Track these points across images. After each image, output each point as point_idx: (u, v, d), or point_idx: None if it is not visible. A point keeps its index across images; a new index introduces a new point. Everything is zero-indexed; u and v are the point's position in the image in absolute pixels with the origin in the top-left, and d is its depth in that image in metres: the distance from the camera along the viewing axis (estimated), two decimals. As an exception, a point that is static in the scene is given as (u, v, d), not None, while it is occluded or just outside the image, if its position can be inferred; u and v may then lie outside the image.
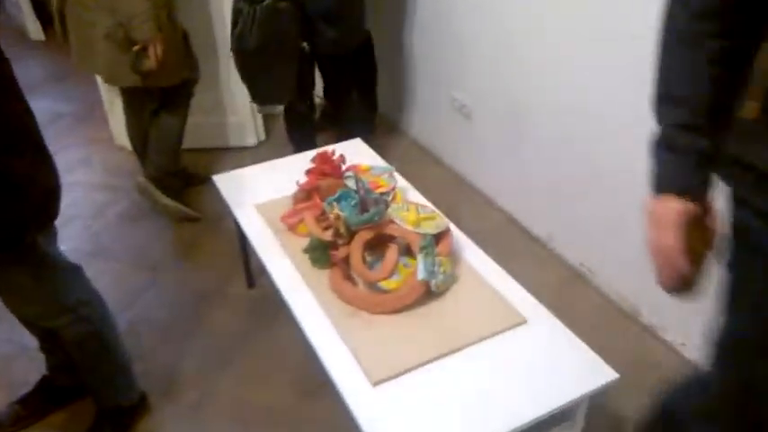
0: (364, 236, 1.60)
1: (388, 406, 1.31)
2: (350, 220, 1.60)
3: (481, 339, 1.45)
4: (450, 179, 3.05)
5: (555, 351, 1.44)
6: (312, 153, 2.03)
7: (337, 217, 1.62)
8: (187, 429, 1.89)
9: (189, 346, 2.17)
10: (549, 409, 1.31)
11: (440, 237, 1.63)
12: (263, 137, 3.41)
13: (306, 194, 1.88)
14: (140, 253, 2.62)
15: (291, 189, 1.98)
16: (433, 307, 1.54)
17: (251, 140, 3.34)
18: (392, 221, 1.62)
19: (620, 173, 2.12)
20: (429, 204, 1.87)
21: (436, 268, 1.52)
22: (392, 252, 1.53)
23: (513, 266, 2.33)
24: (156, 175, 2.66)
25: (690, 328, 2.02)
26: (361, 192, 1.63)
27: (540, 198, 2.55)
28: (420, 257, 1.51)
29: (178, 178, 2.82)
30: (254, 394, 1.98)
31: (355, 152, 2.21)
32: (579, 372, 1.39)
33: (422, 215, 1.67)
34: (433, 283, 1.52)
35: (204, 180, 2.92)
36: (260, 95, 2.58)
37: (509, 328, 1.49)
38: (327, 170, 1.91)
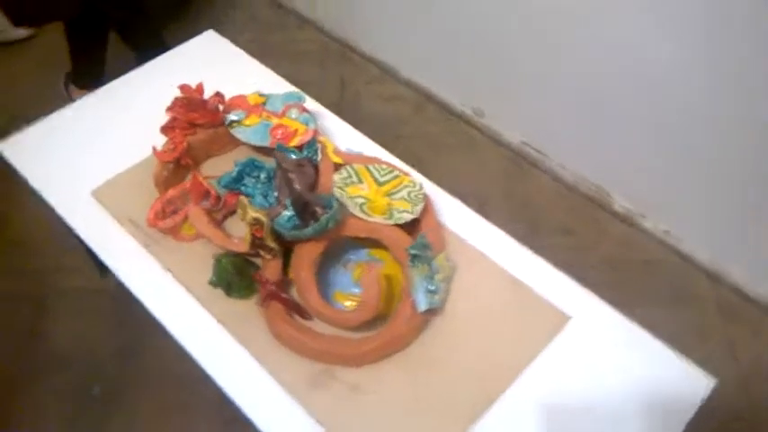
0: (311, 251, 0.98)
1: None
2: (282, 230, 0.96)
3: (520, 370, 0.97)
4: (330, 47, 2.33)
5: (622, 359, 1.00)
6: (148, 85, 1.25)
7: (256, 222, 0.97)
8: None
9: (37, 385, 1.49)
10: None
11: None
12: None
13: (174, 167, 1.16)
14: None
15: (137, 150, 1.24)
16: (436, 330, 1.01)
17: (21, 30, 2.31)
18: (348, 216, 1.00)
19: (561, 15, 1.59)
20: (372, 147, 1.25)
21: (436, 280, 0.97)
22: (373, 278, 0.94)
23: (443, 160, 1.85)
24: None
25: (673, 210, 1.70)
26: (296, 185, 0.96)
27: (459, 63, 1.97)
28: (414, 275, 0.94)
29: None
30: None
31: (214, 61, 1.46)
32: (665, 382, 0.99)
33: (383, 184, 1.07)
34: (435, 300, 0.98)
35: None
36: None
37: (553, 336, 1.02)
38: (198, 119, 1.17)
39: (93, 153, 1.28)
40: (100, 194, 1.20)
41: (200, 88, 1.16)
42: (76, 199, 1.20)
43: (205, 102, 1.16)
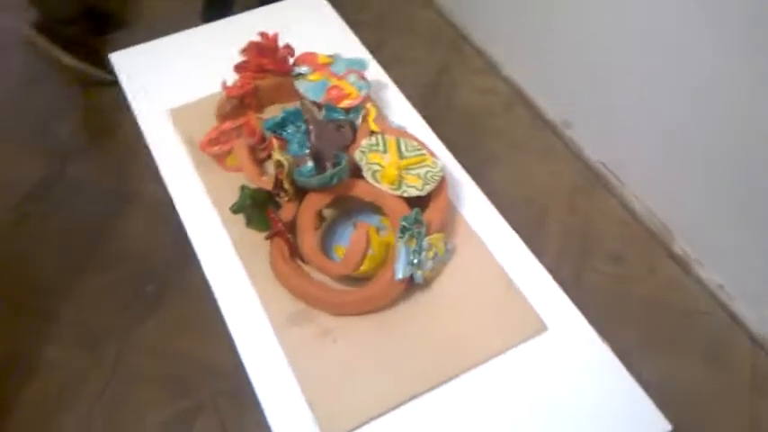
0: (316, 201, 1.07)
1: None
2: (297, 176, 1.06)
3: (480, 361, 1.01)
4: (445, 31, 2.39)
5: (584, 381, 1.01)
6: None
7: (279, 165, 1.08)
8: (107, 390, 1.52)
9: (99, 275, 1.71)
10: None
11: (432, 193, 1.11)
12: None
13: (237, 104, 1.29)
14: (41, 131, 2.03)
15: (217, 82, 1.38)
16: (417, 302, 1.07)
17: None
18: (359, 178, 1.08)
19: (664, 49, 1.53)
20: (417, 134, 1.31)
21: (423, 256, 1.03)
22: (360, 236, 1.02)
23: (518, 161, 1.84)
24: (46, 23, 1.98)
25: (732, 265, 1.60)
26: (312, 137, 1.06)
27: (560, 72, 1.95)
28: (399, 245, 1.01)
29: (81, 24, 2.13)
30: (188, 345, 1.58)
31: (306, 19, 1.57)
32: (618, 415, 0.99)
33: (405, 158, 1.13)
34: (418, 274, 1.04)
35: (119, 23, 2.25)
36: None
37: (522, 341, 1.04)
38: (267, 65, 1.30)
39: (182, 76, 1.44)
40: (174, 114, 1.36)
41: (274, 38, 1.28)
42: (155, 114, 1.37)
43: (276, 51, 1.27)
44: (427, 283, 1.08)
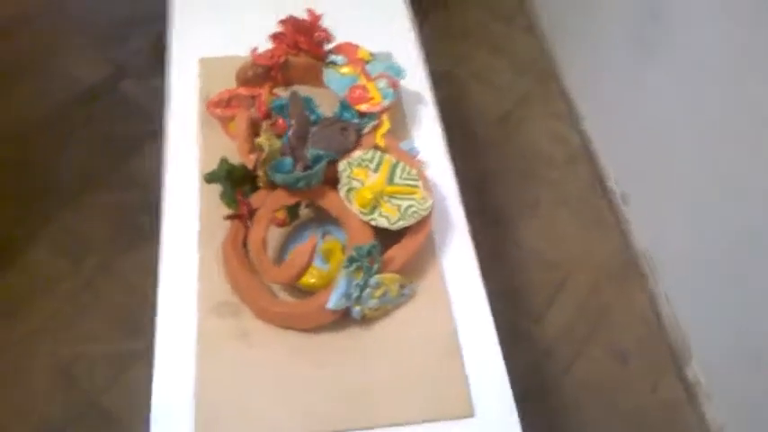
0: (281, 198, 1.00)
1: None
2: (269, 167, 0.99)
3: (384, 424, 0.91)
4: (539, 61, 2.23)
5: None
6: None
7: (259, 148, 1.02)
8: (66, 307, 1.53)
9: (111, 193, 1.72)
10: None
11: (409, 230, 1.01)
12: None
13: (262, 73, 1.23)
14: (113, 40, 2.07)
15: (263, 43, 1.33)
16: (350, 337, 0.98)
17: None
18: (334, 189, 1.00)
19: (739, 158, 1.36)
20: (433, 163, 1.20)
21: (366, 292, 0.94)
22: (305, 248, 0.94)
23: (560, 220, 1.72)
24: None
25: (741, 411, 1.41)
26: (290, 132, 0.98)
27: (634, 142, 1.78)
28: (342, 274, 0.92)
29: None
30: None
31: (376, 9, 1.48)
32: None
33: (394, 185, 1.03)
34: (356, 310, 0.95)
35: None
36: None
37: (439, 419, 0.94)
38: (302, 43, 1.23)
39: (227, 29, 1.40)
40: (202, 64, 1.32)
41: (315, 18, 1.21)
42: (187, 58, 1.34)
43: (312, 31, 1.20)
44: (368, 321, 0.99)
